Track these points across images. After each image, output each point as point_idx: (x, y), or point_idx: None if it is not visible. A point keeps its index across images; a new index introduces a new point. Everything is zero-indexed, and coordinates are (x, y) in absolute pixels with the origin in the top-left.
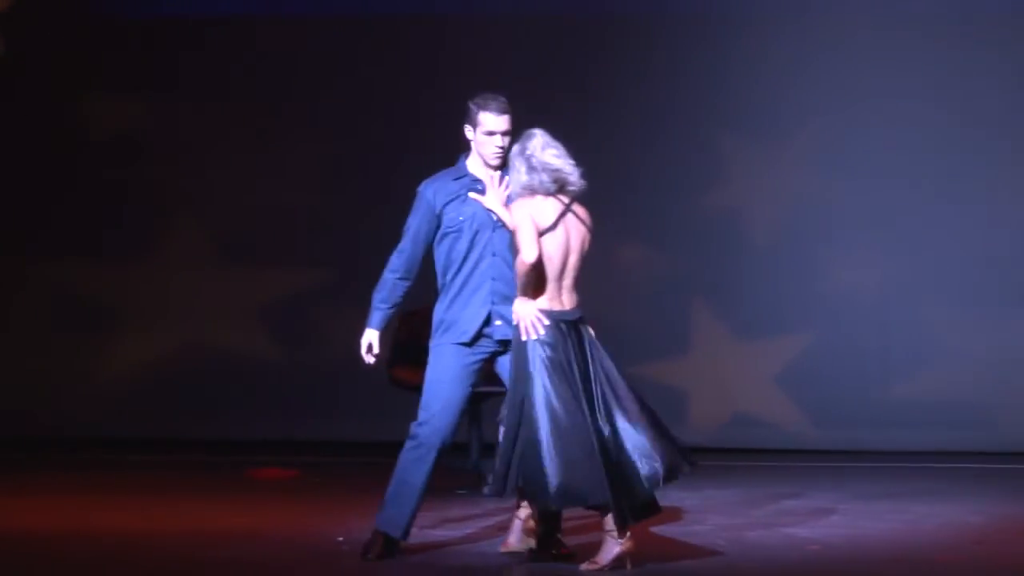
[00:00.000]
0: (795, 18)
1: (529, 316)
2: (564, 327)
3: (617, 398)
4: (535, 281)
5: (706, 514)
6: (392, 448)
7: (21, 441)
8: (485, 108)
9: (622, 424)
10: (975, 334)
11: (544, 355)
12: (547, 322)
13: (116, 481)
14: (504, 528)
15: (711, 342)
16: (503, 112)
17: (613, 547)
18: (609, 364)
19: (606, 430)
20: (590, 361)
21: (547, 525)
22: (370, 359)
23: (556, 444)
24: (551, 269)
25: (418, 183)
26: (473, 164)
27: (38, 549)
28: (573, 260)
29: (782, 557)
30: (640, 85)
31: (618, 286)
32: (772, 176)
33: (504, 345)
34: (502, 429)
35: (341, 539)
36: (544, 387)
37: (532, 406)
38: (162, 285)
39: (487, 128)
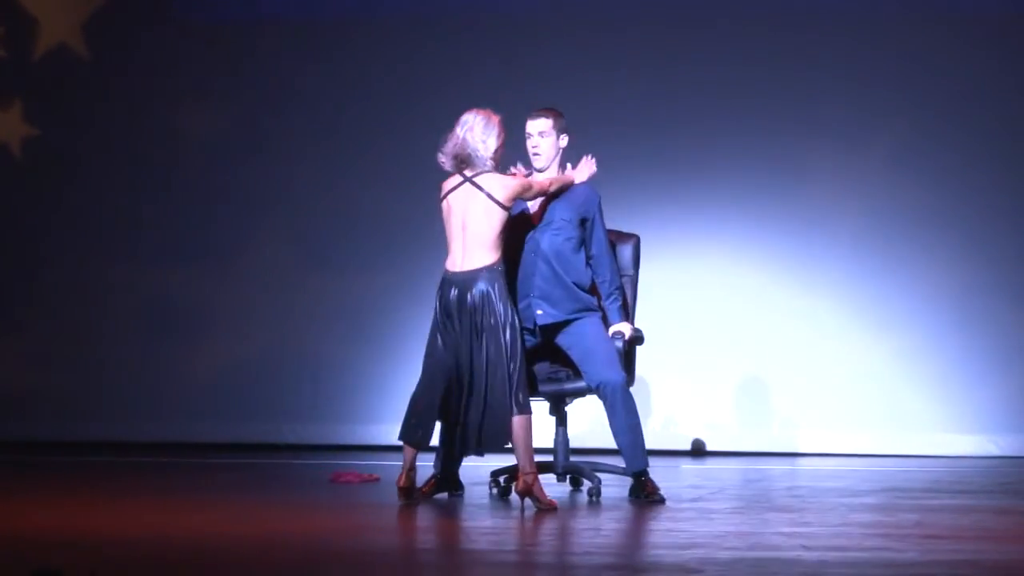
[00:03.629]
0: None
1: None
2: (450, 286)
3: (478, 360)
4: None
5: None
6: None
7: (108, 446)
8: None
9: (476, 385)
10: None
11: (435, 308)
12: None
13: (200, 483)
14: None
15: (790, 345)
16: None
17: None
18: (484, 326)
19: (461, 383)
20: (466, 322)
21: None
22: None
23: (421, 384)
24: (448, 235)
25: None
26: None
27: (139, 550)
28: (468, 225)
29: None
30: (726, 88)
31: (698, 286)
32: (851, 179)
33: (549, 330)
34: None
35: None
36: (430, 336)
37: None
38: (247, 289)
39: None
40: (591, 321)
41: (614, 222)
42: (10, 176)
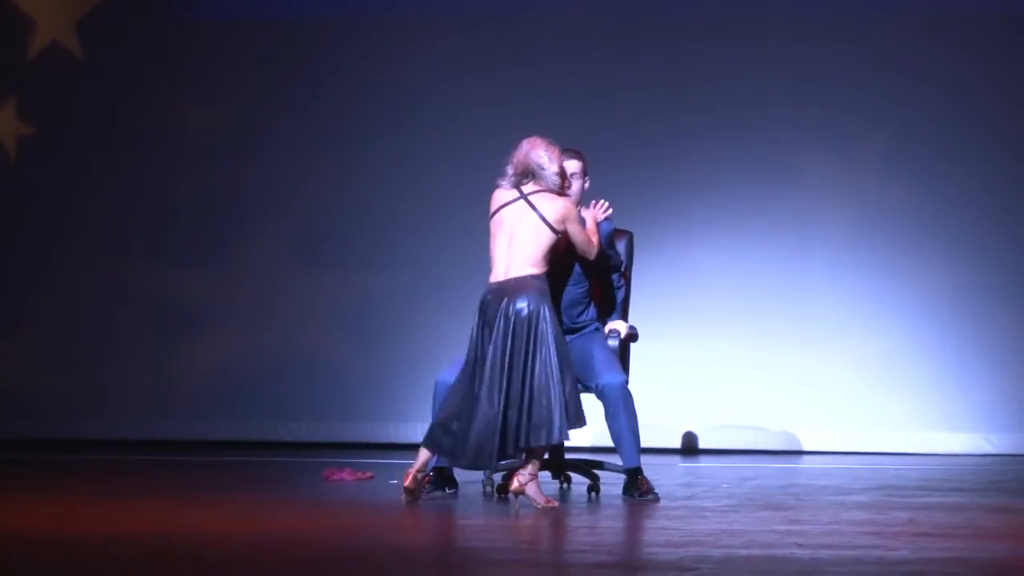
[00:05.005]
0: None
1: None
2: (495, 295)
3: (512, 369)
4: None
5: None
6: None
7: (107, 444)
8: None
9: (512, 397)
10: None
11: (475, 319)
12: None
13: (197, 482)
14: None
15: (783, 344)
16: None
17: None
18: (530, 339)
19: (494, 396)
20: (506, 332)
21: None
22: None
23: (450, 394)
24: (492, 250)
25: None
26: None
27: (138, 548)
28: (515, 242)
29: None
30: (714, 86)
31: (691, 285)
32: (844, 182)
33: None
34: None
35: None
36: (469, 345)
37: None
38: (244, 288)
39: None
40: (587, 334)
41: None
42: (6, 175)
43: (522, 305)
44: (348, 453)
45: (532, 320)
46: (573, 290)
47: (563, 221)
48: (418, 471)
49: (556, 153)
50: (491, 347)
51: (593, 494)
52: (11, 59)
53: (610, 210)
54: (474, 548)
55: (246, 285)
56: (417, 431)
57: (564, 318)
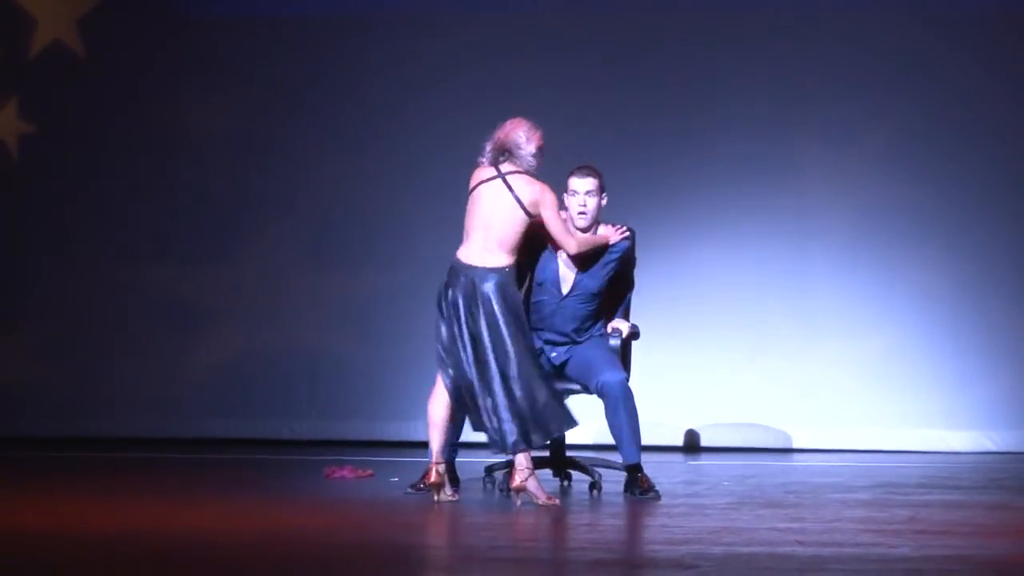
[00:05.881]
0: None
1: None
2: (460, 277)
3: (496, 356)
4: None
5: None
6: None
7: (107, 441)
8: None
9: (498, 380)
10: None
11: (440, 300)
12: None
13: (198, 479)
14: None
15: (784, 342)
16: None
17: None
18: (498, 323)
19: (480, 375)
20: (477, 315)
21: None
22: None
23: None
24: (468, 224)
25: None
26: None
27: (138, 545)
28: (492, 224)
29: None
30: (714, 82)
31: (692, 283)
32: (844, 180)
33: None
34: None
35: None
36: (437, 330)
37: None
38: (247, 286)
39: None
40: (592, 339)
41: (610, 217)
42: (8, 174)
43: (487, 289)
44: (350, 451)
45: (493, 305)
46: (584, 307)
47: (537, 205)
48: (437, 463)
49: (537, 136)
50: (463, 329)
51: (594, 492)
52: (13, 58)
53: (627, 233)
54: (475, 546)
55: (249, 283)
56: (419, 429)
57: (573, 334)
